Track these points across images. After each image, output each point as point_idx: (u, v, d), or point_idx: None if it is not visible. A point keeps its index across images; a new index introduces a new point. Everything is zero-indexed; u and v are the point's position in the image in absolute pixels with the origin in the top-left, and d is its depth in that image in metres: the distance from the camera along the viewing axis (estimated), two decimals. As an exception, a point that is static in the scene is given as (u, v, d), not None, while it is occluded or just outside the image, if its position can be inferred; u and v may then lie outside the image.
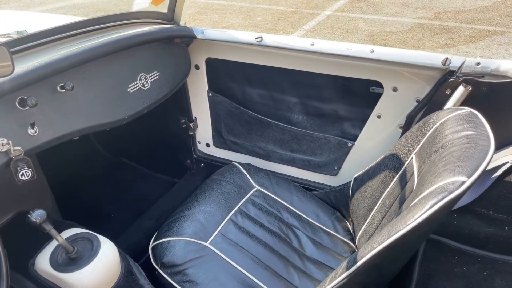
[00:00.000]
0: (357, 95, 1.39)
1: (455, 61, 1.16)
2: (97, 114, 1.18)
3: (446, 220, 1.17)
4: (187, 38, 1.47)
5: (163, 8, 1.49)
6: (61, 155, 1.56)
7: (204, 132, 1.80)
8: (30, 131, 1.01)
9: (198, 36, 1.48)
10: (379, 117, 1.38)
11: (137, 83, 1.31)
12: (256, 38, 1.39)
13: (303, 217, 1.43)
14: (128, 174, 2.04)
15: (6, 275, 0.77)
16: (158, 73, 1.39)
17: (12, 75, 0.92)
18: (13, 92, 0.94)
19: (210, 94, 1.67)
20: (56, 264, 1.05)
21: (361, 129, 1.44)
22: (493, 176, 1.11)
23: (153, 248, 1.27)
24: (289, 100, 1.52)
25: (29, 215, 0.92)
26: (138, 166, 2.06)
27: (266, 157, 1.67)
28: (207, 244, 1.25)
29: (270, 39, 1.38)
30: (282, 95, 1.52)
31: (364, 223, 1.28)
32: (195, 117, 1.77)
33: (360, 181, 1.35)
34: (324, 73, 1.39)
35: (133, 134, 1.92)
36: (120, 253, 1.14)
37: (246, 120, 1.64)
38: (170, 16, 1.51)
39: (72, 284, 1.02)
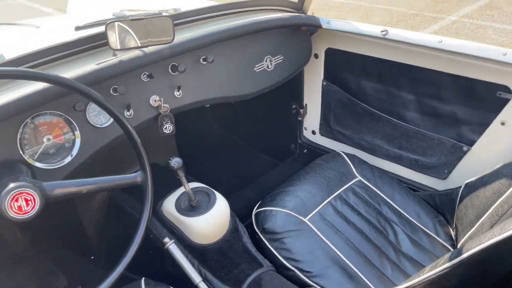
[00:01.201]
0: (480, 99, 1.34)
1: None
2: (228, 86, 1.33)
3: None
4: (313, 27, 1.55)
5: (295, -3, 1.59)
6: (186, 122, 1.76)
7: (312, 120, 1.88)
8: (176, 93, 1.19)
9: (324, 26, 1.55)
10: (503, 124, 1.31)
11: (263, 64, 1.44)
12: (381, 31, 1.41)
13: (403, 214, 1.43)
14: (235, 150, 2.20)
15: (151, 203, 0.94)
16: (282, 57, 1.50)
17: (171, 44, 1.10)
18: (169, 58, 1.12)
19: (324, 83, 1.74)
20: (179, 208, 1.23)
21: (480, 134, 1.38)
22: None
23: (256, 214, 1.39)
24: (404, 96, 1.52)
25: (169, 161, 1.10)
26: (245, 144, 2.21)
27: (372, 151, 1.69)
28: (305, 220, 1.33)
29: (395, 33, 1.39)
30: (398, 91, 1.53)
31: (469, 230, 1.24)
32: (305, 104, 1.86)
33: (472, 187, 1.30)
34: (447, 72, 1.36)
35: (245, 113, 2.07)
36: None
37: (357, 112, 1.67)
38: (300, 6, 1.60)
39: (190, 227, 1.19)
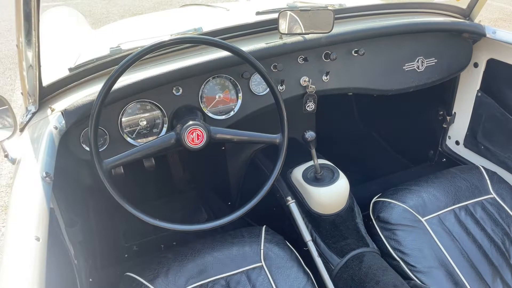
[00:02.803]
0: None
1: None
2: (372, 79, 1.44)
3: None
4: (475, 35, 1.52)
5: (463, 4, 1.57)
6: (331, 106, 1.91)
7: (458, 129, 1.82)
8: (324, 77, 1.36)
9: (488, 35, 1.51)
10: None
11: (413, 64, 1.49)
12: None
13: (535, 243, 1.33)
14: (370, 143, 2.26)
15: (282, 162, 1.14)
16: (435, 60, 1.52)
17: (327, 34, 1.26)
18: (325, 46, 1.29)
19: (479, 94, 1.68)
20: (305, 177, 1.42)
21: None
22: None
23: (375, 202, 1.48)
24: None
25: (304, 133, 1.29)
26: (381, 140, 2.25)
27: (518, 173, 1.58)
28: (422, 219, 1.37)
29: None
30: None
31: None
32: (454, 112, 1.81)
33: None
34: None
35: (388, 110, 2.10)
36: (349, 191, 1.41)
37: (510, 129, 1.58)
38: (467, 12, 1.58)
39: (311, 195, 1.36)
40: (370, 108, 2.19)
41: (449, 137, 1.89)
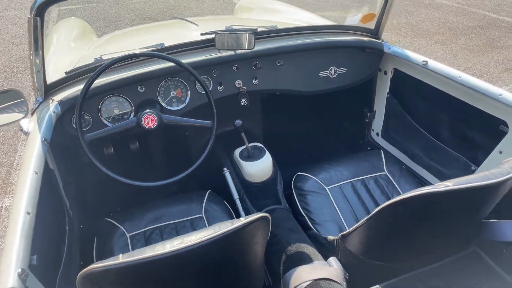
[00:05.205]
0: (489, 128, 1.59)
1: None
2: (293, 83, 1.91)
3: None
4: (376, 50, 1.98)
5: (371, 25, 2.03)
6: (277, 106, 2.38)
7: (377, 123, 2.28)
8: (254, 81, 1.84)
9: (385, 50, 1.97)
10: (500, 152, 1.55)
11: (327, 72, 1.96)
12: (422, 61, 1.77)
13: (408, 207, 1.78)
14: (313, 136, 2.66)
15: (213, 140, 1.62)
16: (346, 69, 1.98)
17: (251, 50, 1.74)
18: (251, 59, 1.77)
19: (388, 96, 2.13)
20: (241, 155, 1.90)
21: (485, 158, 1.63)
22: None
23: (296, 175, 1.94)
24: (439, 117, 1.83)
25: (234, 121, 1.77)
26: (322, 133, 2.65)
27: (412, 157, 2.03)
28: (326, 188, 1.84)
29: (433, 65, 1.74)
30: (435, 112, 1.85)
31: None
32: (374, 110, 2.27)
33: None
34: (465, 101, 1.65)
35: (325, 108, 2.51)
36: (274, 164, 1.88)
37: (406, 123, 2.03)
38: (375, 32, 2.04)
39: (244, 168, 1.85)
40: (311, 106, 2.58)
41: (373, 130, 2.34)
